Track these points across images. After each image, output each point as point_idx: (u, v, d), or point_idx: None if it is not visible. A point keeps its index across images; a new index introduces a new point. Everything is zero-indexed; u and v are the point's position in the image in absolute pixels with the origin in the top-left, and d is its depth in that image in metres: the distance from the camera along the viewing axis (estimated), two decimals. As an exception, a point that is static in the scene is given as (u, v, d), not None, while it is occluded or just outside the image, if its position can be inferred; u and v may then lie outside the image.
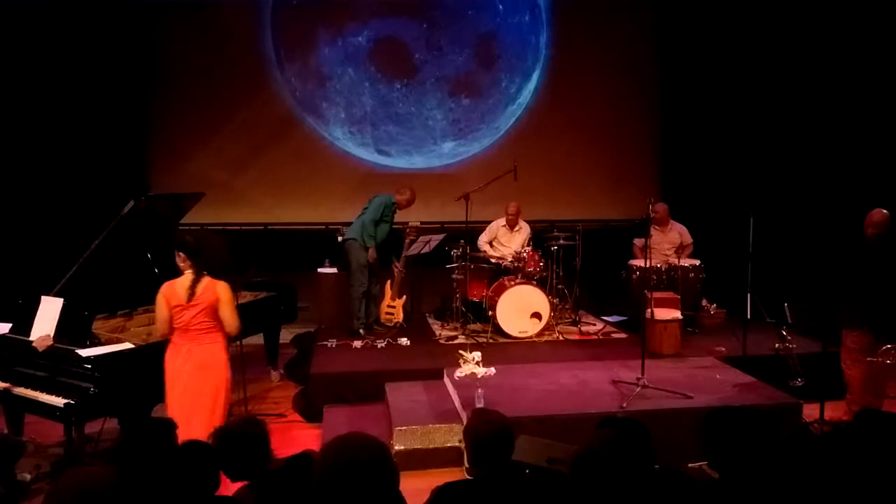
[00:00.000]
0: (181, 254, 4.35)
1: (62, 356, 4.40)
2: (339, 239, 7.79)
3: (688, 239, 7.72)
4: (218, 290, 4.37)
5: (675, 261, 7.32)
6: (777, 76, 8.49)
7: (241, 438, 2.63)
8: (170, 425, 2.78)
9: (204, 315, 4.33)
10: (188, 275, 4.35)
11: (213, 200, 6.22)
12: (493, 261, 7.65)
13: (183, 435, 2.76)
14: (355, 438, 1.97)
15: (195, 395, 4.31)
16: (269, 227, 8.20)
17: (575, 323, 7.63)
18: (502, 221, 7.85)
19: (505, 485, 2.46)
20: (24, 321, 4.65)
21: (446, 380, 5.80)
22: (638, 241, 7.73)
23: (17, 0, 8.05)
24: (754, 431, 2.31)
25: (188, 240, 4.43)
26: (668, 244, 7.63)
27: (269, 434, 2.70)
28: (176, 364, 4.34)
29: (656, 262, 7.30)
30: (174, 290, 4.32)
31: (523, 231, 7.86)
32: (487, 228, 7.92)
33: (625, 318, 7.88)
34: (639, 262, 7.46)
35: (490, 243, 7.90)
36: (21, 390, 4.52)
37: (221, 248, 6.36)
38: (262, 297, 6.48)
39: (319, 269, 7.96)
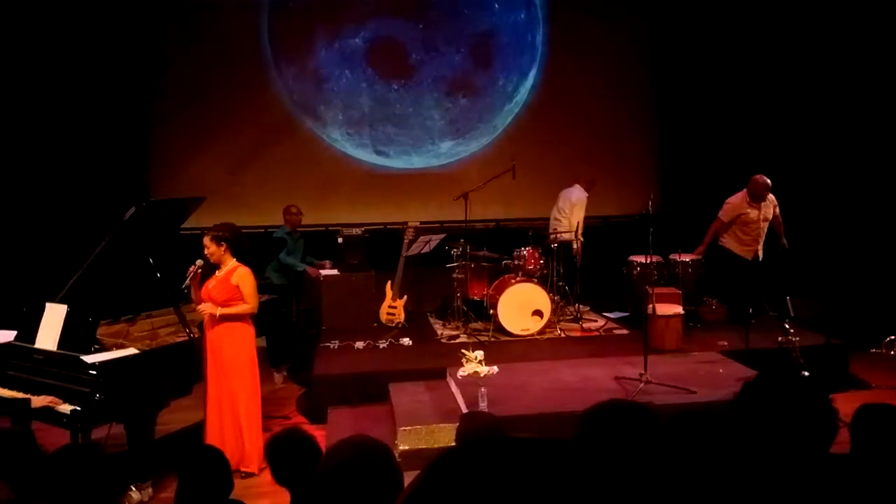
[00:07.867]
0: (224, 244, 4.83)
1: (67, 363, 4.42)
2: (339, 240, 7.81)
3: (776, 207, 7.33)
4: None
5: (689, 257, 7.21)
6: (775, 72, 8.50)
7: (295, 448, 2.64)
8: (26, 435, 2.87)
9: None
10: (234, 261, 4.88)
11: (213, 204, 6.22)
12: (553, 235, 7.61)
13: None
14: (359, 441, 1.99)
15: None
16: (269, 229, 8.21)
17: (576, 320, 7.64)
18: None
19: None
20: (28, 328, 4.66)
21: (449, 379, 5.81)
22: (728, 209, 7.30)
23: (18, 1, 8.07)
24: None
25: (224, 234, 4.87)
26: (763, 220, 7.28)
27: (320, 450, 2.69)
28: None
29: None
30: None
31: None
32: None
33: (626, 314, 7.87)
34: (639, 258, 7.45)
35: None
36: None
37: None
38: (264, 299, 6.48)
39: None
